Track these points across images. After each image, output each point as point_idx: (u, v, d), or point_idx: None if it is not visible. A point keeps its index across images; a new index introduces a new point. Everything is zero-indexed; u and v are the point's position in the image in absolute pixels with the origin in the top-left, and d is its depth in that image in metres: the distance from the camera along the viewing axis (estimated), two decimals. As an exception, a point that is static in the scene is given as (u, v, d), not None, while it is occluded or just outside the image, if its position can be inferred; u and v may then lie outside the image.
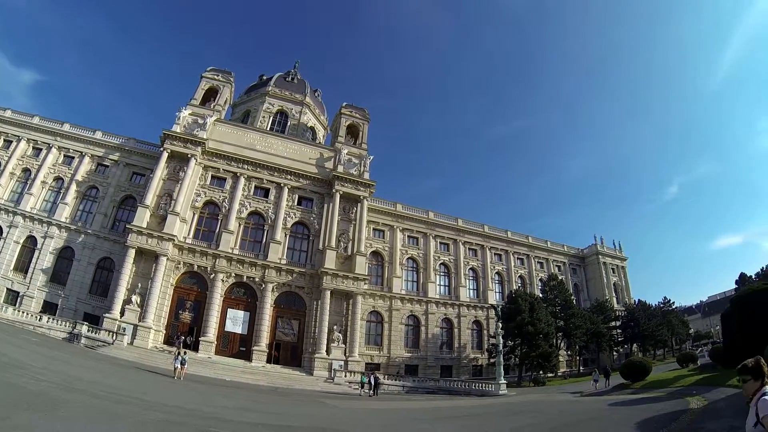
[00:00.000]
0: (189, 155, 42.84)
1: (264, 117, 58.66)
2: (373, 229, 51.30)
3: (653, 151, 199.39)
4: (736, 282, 71.92)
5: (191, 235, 40.97)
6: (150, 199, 40.29)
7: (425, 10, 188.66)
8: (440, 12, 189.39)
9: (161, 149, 43.00)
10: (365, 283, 44.81)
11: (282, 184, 45.29)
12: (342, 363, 39.22)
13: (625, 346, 69.57)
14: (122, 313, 35.59)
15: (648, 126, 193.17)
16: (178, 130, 43.55)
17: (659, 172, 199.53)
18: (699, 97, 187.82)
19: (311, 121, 63.35)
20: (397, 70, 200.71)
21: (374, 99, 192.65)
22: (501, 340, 41.47)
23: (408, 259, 53.51)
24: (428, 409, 25.47)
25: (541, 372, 49.03)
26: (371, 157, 51.11)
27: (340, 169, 47.78)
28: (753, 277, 66.56)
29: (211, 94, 49.90)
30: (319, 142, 57.36)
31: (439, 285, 55.49)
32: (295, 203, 45.77)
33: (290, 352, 41.19)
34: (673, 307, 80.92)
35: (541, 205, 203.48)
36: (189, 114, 45.50)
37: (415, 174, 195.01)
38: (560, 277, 67.52)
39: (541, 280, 66.95)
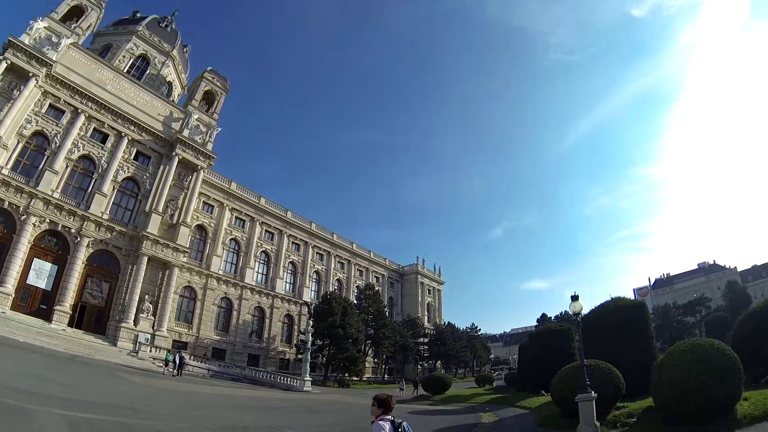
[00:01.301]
0: (30, 74, 46.13)
1: (124, 57, 64.85)
2: (204, 202, 63.21)
3: (491, 193, 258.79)
4: (538, 320, 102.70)
5: (9, 166, 44.43)
6: (-34, 110, 43.28)
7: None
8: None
9: (0, 57, 45.28)
10: (185, 256, 55.68)
11: (123, 134, 53.12)
12: (149, 336, 47.36)
13: (431, 361, 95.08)
14: None
15: (493, 170, 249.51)
16: (26, 42, 46.63)
17: (490, 214, 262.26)
18: (545, 158, 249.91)
19: (171, 76, 71.50)
20: (274, 55, 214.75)
21: (240, 74, 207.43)
22: (310, 338, 53.37)
23: (231, 240, 66.67)
24: (231, 396, 29.26)
25: (346, 375, 65.52)
26: (219, 129, 63.32)
27: (186, 133, 58.46)
28: (552, 318, 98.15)
29: (75, 13, 54.52)
30: (173, 100, 66.21)
31: (258, 272, 70.02)
32: (132, 157, 54.18)
33: (95, 318, 47.71)
34: (479, 333, 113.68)
35: (375, 216, 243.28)
36: (44, 27, 49.38)
37: (257, 158, 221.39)
38: (377, 288, 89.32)
39: (358, 287, 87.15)
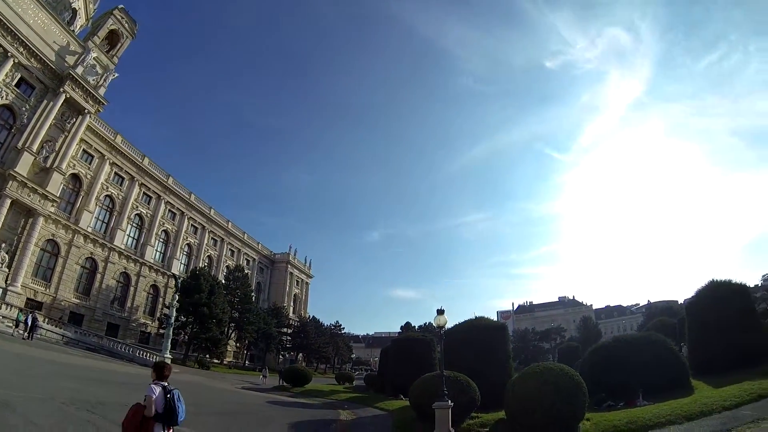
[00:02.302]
0: None
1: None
2: (84, 150, 57.90)
3: (374, 198, 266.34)
4: (402, 327, 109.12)
5: None
6: None
7: None
8: None
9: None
10: (53, 206, 51.06)
11: (10, 54, 46.89)
12: (0, 291, 43.23)
13: (293, 353, 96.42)
14: None
15: (381, 175, 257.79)
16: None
17: (371, 217, 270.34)
18: (435, 175, 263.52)
19: (78, 2, 63.32)
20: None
21: (156, 22, 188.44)
22: (174, 313, 50.85)
23: (106, 196, 61.98)
24: (87, 367, 27.97)
25: (207, 356, 64.39)
26: (116, 75, 58.74)
27: (80, 70, 53.24)
28: (416, 327, 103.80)
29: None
30: (74, 31, 59.13)
31: (129, 236, 66.12)
32: (14, 83, 48.10)
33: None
34: (343, 331, 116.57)
35: (255, 198, 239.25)
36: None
37: (149, 118, 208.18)
38: (247, 271, 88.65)
39: (228, 267, 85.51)
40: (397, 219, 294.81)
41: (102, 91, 56.38)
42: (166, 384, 7.23)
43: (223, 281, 74.13)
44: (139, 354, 47.59)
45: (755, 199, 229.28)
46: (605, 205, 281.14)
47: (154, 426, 6.84)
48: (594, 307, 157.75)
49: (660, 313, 69.01)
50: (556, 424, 13.50)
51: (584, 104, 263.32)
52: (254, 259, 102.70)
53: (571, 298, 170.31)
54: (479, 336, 24.87)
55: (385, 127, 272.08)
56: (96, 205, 59.88)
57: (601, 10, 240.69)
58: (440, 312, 18.32)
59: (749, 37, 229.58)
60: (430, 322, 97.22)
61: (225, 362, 75.03)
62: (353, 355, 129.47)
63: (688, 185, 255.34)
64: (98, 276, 59.04)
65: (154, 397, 6.86)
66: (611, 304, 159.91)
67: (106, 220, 62.12)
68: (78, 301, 56.04)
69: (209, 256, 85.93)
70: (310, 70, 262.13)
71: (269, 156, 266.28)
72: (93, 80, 55.29)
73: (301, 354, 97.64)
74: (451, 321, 22.67)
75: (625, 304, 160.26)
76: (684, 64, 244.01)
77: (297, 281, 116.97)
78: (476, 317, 27.66)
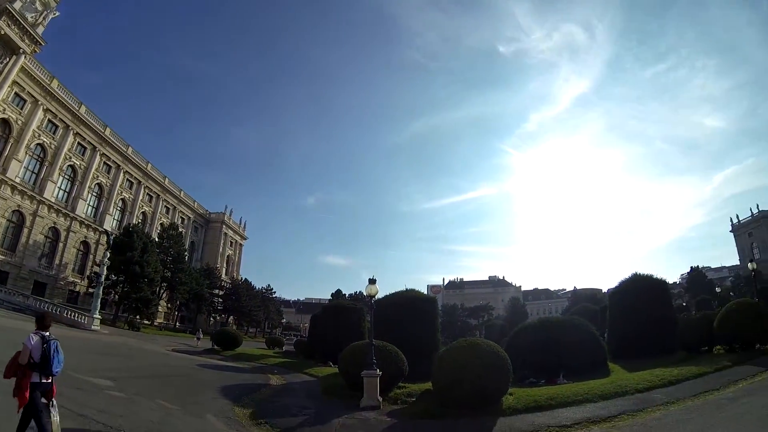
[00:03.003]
0: None
1: None
2: (16, 93, 54.47)
3: (312, 161, 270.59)
4: (332, 294, 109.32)
5: None
6: None
7: None
8: None
9: None
10: (-25, 152, 47.77)
11: None
12: None
13: (224, 315, 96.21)
14: None
15: (322, 139, 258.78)
16: None
17: (310, 182, 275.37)
18: (376, 145, 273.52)
19: None
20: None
21: None
22: (105, 271, 51.01)
23: (38, 144, 58.95)
24: (12, 328, 26.02)
25: (137, 317, 63.39)
26: (57, 14, 55.33)
27: (17, 5, 49.82)
28: (346, 295, 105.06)
29: None
30: None
31: (60, 188, 63.53)
32: None
33: None
34: (274, 295, 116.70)
35: (196, 155, 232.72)
36: None
37: (88, 62, 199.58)
38: (181, 230, 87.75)
39: (162, 225, 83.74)
40: (334, 186, 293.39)
41: (40, 30, 53.29)
42: (46, 334, 7.57)
43: (157, 239, 72.71)
44: (66, 314, 45.76)
45: (682, 203, 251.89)
46: (541, 192, 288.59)
47: (32, 374, 7.22)
48: (522, 289, 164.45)
49: (584, 299, 73.67)
50: (481, 397, 14.16)
51: (531, 92, 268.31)
52: (189, 217, 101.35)
53: (501, 278, 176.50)
54: (409, 308, 25.64)
55: (324, 87, 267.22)
56: (26, 154, 56.79)
57: (562, 5, 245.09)
58: (372, 281, 18.62)
59: (698, 54, 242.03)
60: (360, 291, 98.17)
61: (156, 324, 74.14)
62: (284, 320, 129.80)
63: (621, 183, 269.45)
64: (25, 231, 56.45)
65: (29, 345, 7.28)
66: (539, 287, 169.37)
67: (36, 171, 59.11)
68: (3, 257, 53.63)
69: (144, 213, 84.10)
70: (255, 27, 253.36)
71: (212, 112, 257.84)
72: (31, 17, 52.13)
73: (232, 317, 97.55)
74: (382, 291, 23.37)
75: (552, 288, 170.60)
76: (632, 69, 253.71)
77: (231, 242, 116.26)
78: (407, 289, 28.44)
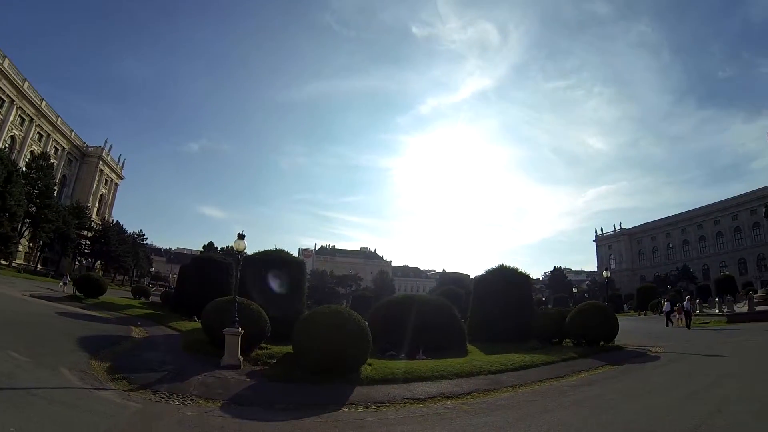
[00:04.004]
0: None
1: None
2: None
3: (205, 106, 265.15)
4: (204, 246, 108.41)
5: None
6: None
7: None
8: None
9: None
10: None
11: None
12: None
13: (91, 259, 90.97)
14: None
15: (217, 86, 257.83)
16: None
17: (197, 128, 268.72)
18: (269, 99, 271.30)
19: None
20: None
21: None
22: None
23: None
24: None
25: None
26: None
27: None
28: (218, 249, 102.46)
29: None
30: None
31: None
32: None
33: None
34: (146, 242, 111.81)
35: (80, 80, 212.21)
36: None
37: None
38: (54, 161, 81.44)
39: (32, 152, 77.66)
40: (220, 135, 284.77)
41: None
42: None
43: (24, 169, 66.52)
44: None
45: (555, 209, 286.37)
46: (425, 174, 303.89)
47: None
48: (393, 264, 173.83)
49: (452, 282, 77.46)
50: (340, 364, 14.49)
51: (434, 78, 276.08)
52: (64, 148, 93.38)
53: (372, 250, 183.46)
54: (277, 268, 25.38)
55: (228, 32, 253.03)
56: None
57: (484, 3, 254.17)
58: (241, 236, 18.07)
59: (597, 81, 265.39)
60: (232, 246, 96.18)
61: (14, 264, 68.33)
62: (152, 269, 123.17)
63: (503, 180, 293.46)
64: None
65: None
66: (409, 265, 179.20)
67: None
68: None
69: (12, 137, 76.07)
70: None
71: (101, 36, 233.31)
72: None
73: (99, 262, 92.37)
74: (255, 248, 23.73)
75: (422, 268, 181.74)
76: (536, 79, 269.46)
77: (107, 180, 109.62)
78: (276, 249, 28.03)
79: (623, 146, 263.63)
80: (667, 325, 40.31)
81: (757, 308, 38.25)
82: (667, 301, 48.48)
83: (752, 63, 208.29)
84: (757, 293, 49.60)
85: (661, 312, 46.90)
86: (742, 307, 41.62)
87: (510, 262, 32.86)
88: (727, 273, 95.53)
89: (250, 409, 10.98)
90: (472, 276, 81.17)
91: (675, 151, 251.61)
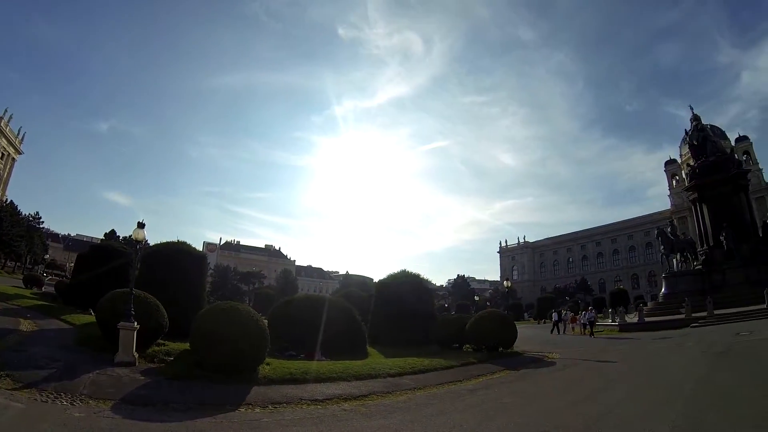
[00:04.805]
0: None
1: None
2: None
3: (120, 90, 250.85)
4: (106, 234, 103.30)
5: None
6: None
7: None
8: None
9: None
10: None
11: None
12: None
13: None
14: None
15: (139, 66, 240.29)
16: None
17: (109, 107, 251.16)
18: (186, 90, 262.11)
19: None
20: None
21: None
22: None
23: None
24: None
25: None
26: None
27: None
28: (121, 238, 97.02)
29: None
30: None
31: None
32: None
33: None
34: (42, 226, 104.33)
35: None
36: None
37: None
38: (-57, 129, 72.16)
39: None
40: (132, 117, 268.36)
41: None
42: None
43: None
44: None
45: (462, 218, 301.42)
46: (334, 175, 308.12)
47: None
48: (297, 263, 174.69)
49: (355, 284, 78.00)
50: (237, 363, 14.38)
51: (354, 81, 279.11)
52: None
53: (277, 248, 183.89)
54: (177, 260, 24.41)
55: (153, 13, 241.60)
56: None
57: (414, 13, 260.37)
58: (141, 225, 17.47)
59: (512, 101, 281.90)
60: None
61: None
62: (48, 256, 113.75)
63: (411, 187, 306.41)
64: None
65: None
66: (313, 265, 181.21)
67: None
68: None
69: None
70: None
71: None
72: None
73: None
74: (158, 239, 22.92)
75: (325, 269, 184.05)
76: (454, 92, 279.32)
77: (3, 154, 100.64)
78: (178, 240, 27.00)
79: (532, 164, 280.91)
80: (552, 332, 44.48)
81: (647, 319, 41.33)
82: (554, 312, 52.44)
83: (658, 101, 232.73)
84: (647, 305, 53.42)
85: (551, 320, 51.11)
86: (633, 318, 45.53)
87: (414, 268, 33.42)
88: (621, 287, 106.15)
89: (143, 409, 10.71)
90: (376, 280, 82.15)
91: (579, 172, 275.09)
